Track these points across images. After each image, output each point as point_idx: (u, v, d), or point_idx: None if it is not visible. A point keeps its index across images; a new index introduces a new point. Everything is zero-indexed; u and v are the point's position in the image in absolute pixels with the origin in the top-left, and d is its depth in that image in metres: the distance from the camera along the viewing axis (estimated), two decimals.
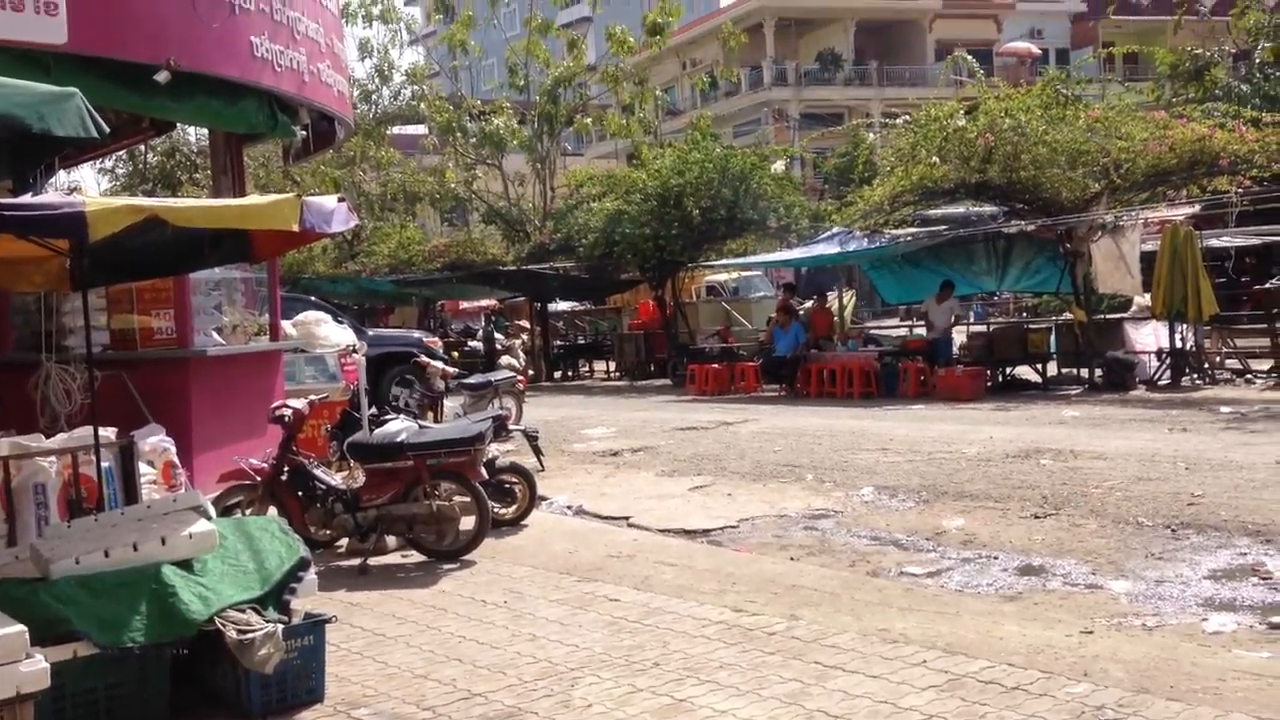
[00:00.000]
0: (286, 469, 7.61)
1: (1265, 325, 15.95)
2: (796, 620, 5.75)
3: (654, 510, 9.14)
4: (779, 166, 22.95)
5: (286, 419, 7.62)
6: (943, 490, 9.16)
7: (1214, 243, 20.79)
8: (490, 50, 31.87)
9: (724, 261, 23.57)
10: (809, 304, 21.01)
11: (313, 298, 17.61)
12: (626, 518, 8.94)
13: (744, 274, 28.03)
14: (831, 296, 22.16)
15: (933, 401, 15.77)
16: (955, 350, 17.90)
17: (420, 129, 31.84)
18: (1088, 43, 46.73)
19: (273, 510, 7.42)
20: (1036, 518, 8.03)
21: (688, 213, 20.68)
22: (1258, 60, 18.51)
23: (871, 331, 21.09)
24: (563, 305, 29.66)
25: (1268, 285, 18.44)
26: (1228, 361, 16.45)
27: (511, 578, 7.00)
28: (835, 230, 19.63)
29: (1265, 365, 15.66)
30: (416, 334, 17.11)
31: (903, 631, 5.46)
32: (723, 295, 28.61)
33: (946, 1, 51.33)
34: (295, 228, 5.30)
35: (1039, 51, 43.48)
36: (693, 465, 11.30)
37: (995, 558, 7.07)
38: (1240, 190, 16.27)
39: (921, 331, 18.37)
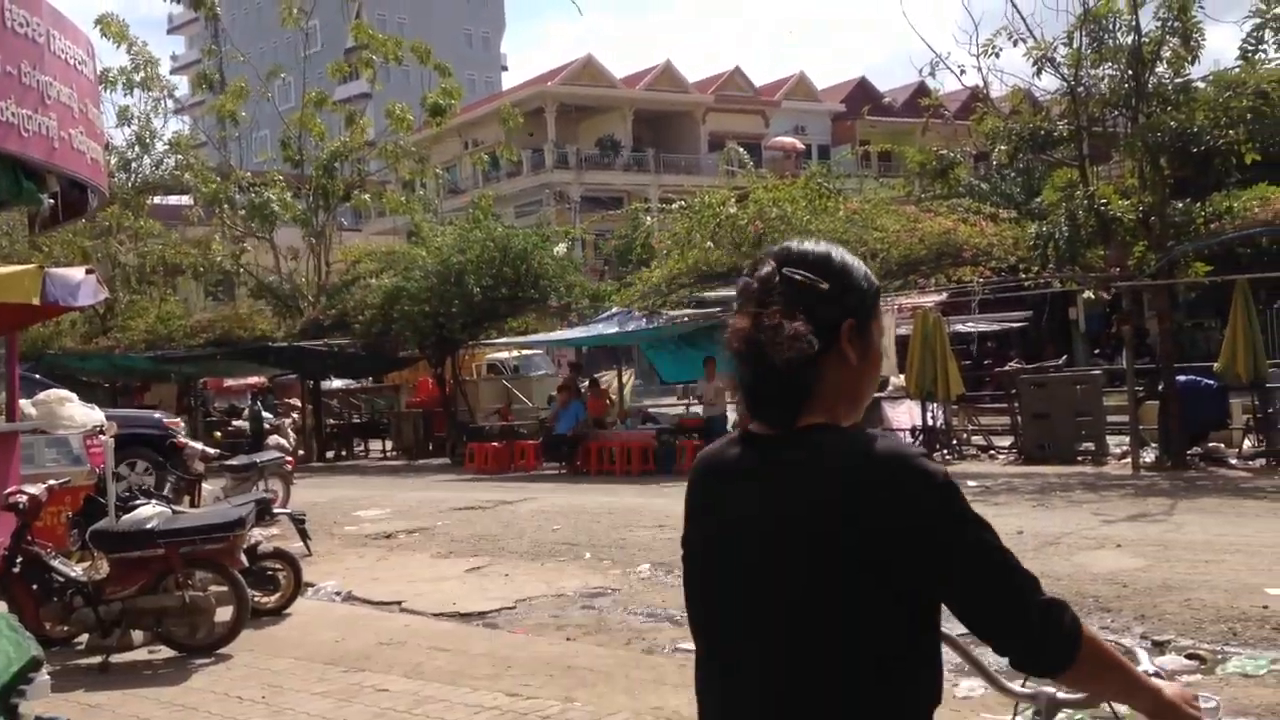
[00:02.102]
0: (20, 560, 6.97)
1: (1005, 404, 17.22)
2: (571, 703, 5.67)
3: (428, 594, 8.88)
4: (561, 249, 23.25)
5: (21, 506, 7.00)
6: None
7: (959, 327, 22.49)
8: (263, 122, 31.03)
9: (505, 340, 23.55)
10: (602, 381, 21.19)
11: (37, 375, 16.00)
12: (399, 602, 8.65)
13: (525, 352, 28.09)
14: (610, 376, 22.48)
15: None
16: (730, 427, 18.40)
17: (185, 199, 30.52)
18: (846, 140, 50.07)
19: (3, 605, 6.75)
20: None
21: (469, 290, 20.60)
22: (995, 162, 20.24)
23: (649, 410, 21.47)
24: (337, 383, 28.78)
25: (1006, 367, 19.98)
26: (973, 438, 17.64)
27: (271, 670, 6.61)
28: (615, 310, 20.00)
29: (1006, 441, 16.88)
30: (156, 414, 15.89)
31: (676, 709, 5.48)
32: (504, 373, 28.54)
33: (718, 97, 53.97)
34: (36, 300, 4.94)
35: (803, 146, 46.19)
36: (470, 546, 11.09)
37: None
38: (981, 280, 17.64)
39: (698, 410, 18.85)
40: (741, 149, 35.28)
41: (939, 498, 1.69)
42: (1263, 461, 13.54)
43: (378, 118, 31.88)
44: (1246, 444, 14.27)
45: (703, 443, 17.24)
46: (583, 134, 53.25)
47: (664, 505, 13.20)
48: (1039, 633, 1.72)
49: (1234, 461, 13.86)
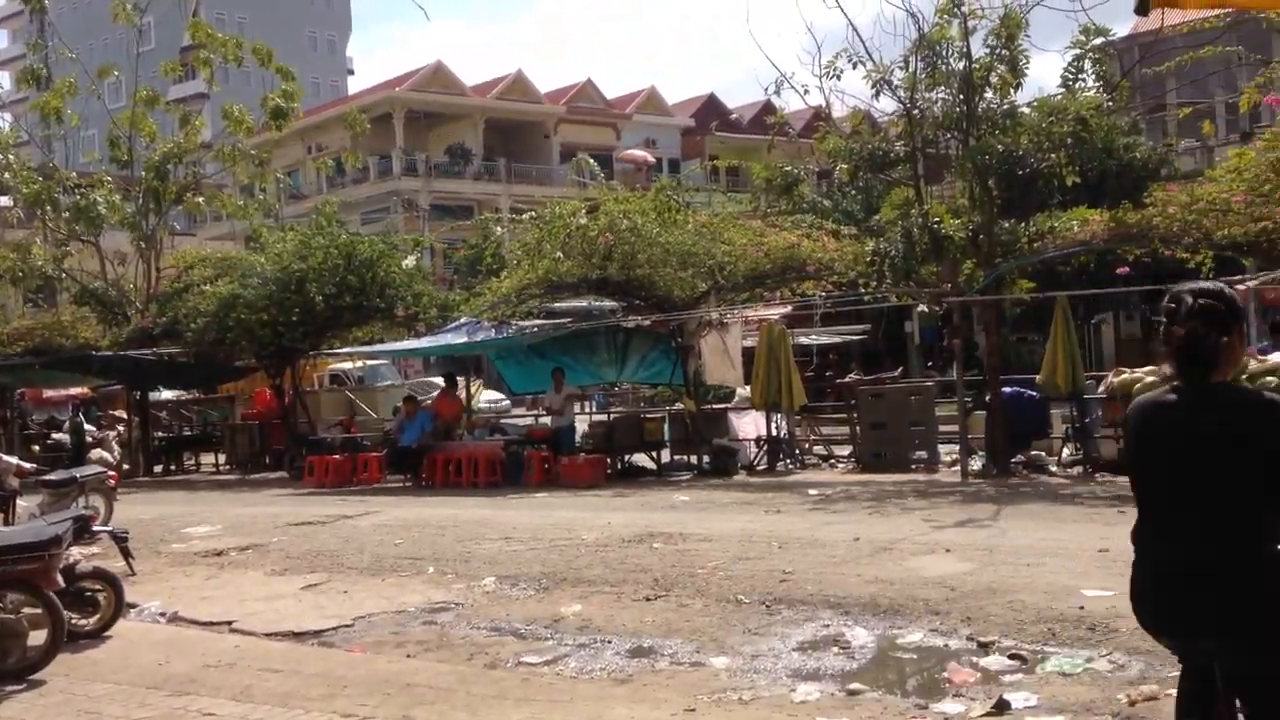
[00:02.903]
0: None
1: (845, 414, 17.74)
2: None
3: (261, 613, 8.55)
4: (411, 262, 22.81)
5: None
6: (562, 577, 9.28)
7: (803, 340, 23.06)
8: (92, 121, 29.56)
9: (349, 350, 22.97)
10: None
11: None
12: (229, 622, 8.29)
13: (371, 362, 27.46)
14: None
15: (556, 489, 16.08)
16: (578, 438, 18.42)
17: (4, 200, 28.76)
18: (696, 155, 50.89)
19: None
20: (649, 600, 8.31)
21: (310, 299, 20.00)
22: (837, 179, 20.90)
23: (497, 420, 21.27)
24: (167, 394, 27.53)
25: (847, 379, 20.61)
26: (815, 447, 18.10)
27: (89, 697, 6.24)
28: (464, 320, 19.75)
29: (846, 450, 17.38)
30: None
31: None
32: (348, 384, 27.84)
33: (570, 108, 54.07)
34: None
35: (654, 159, 46.69)
36: (307, 562, 10.74)
37: (609, 641, 7.21)
38: (823, 294, 18.16)
39: (547, 420, 18.78)
40: (593, 160, 35.44)
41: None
42: (1079, 469, 14.30)
43: (215, 119, 30.73)
44: (1065, 452, 15.06)
45: (550, 454, 17.25)
46: (432, 141, 52.54)
47: (510, 517, 13.09)
48: None
49: (1054, 469, 14.60)
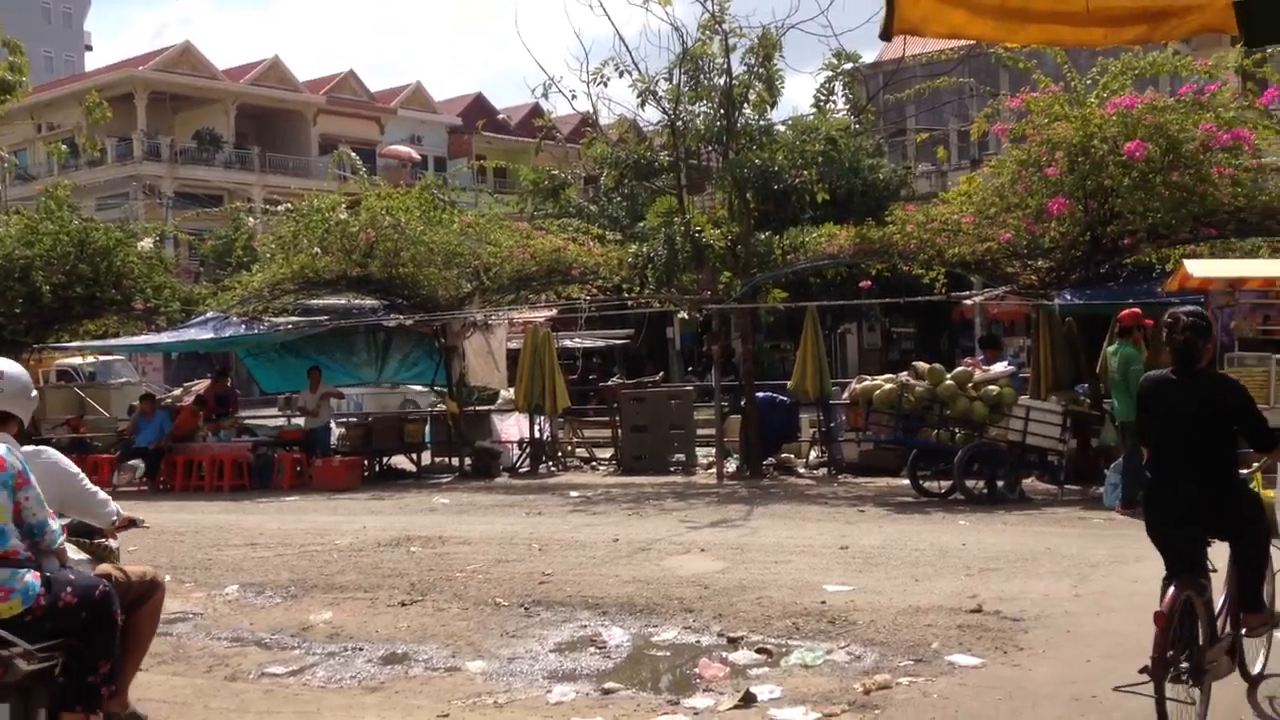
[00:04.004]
0: None
1: (607, 418, 17.98)
2: None
3: None
4: (147, 244, 21.32)
5: None
6: (313, 584, 8.92)
7: (567, 343, 23.20)
8: None
9: (80, 344, 21.28)
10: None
11: None
12: None
13: (104, 358, 25.56)
14: (203, 385, 20.95)
15: (309, 492, 15.48)
16: (334, 440, 17.81)
17: None
18: (463, 154, 50.35)
19: None
20: (404, 605, 8.11)
21: (36, 289, 18.42)
22: (603, 185, 21.13)
23: (246, 421, 20.26)
24: None
25: (609, 382, 20.90)
26: (578, 450, 18.25)
27: None
28: (210, 315, 18.70)
29: (607, 453, 17.60)
30: None
31: None
32: (77, 380, 25.80)
33: (331, 99, 52.29)
34: None
35: (419, 157, 45.78)
36: None
37: (361, 649, 6.98)
38: (588, 298, 18.32)
39: (300, 421, 18.04)
40: (354, 154, 34.28)
41: (1244, 393, 5.12)
42: (825, 470, 15.07)
43: None
44: (812, 455, 15.82)
45: (304, 456, 16.57)
46: (179, 125, 49.51)
47: (257, 522, 12.50)
48: (1268, 437, 5.10)
49: (802, 471, 15.32)
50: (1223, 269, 11.60)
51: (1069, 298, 13.18)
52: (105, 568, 4.96)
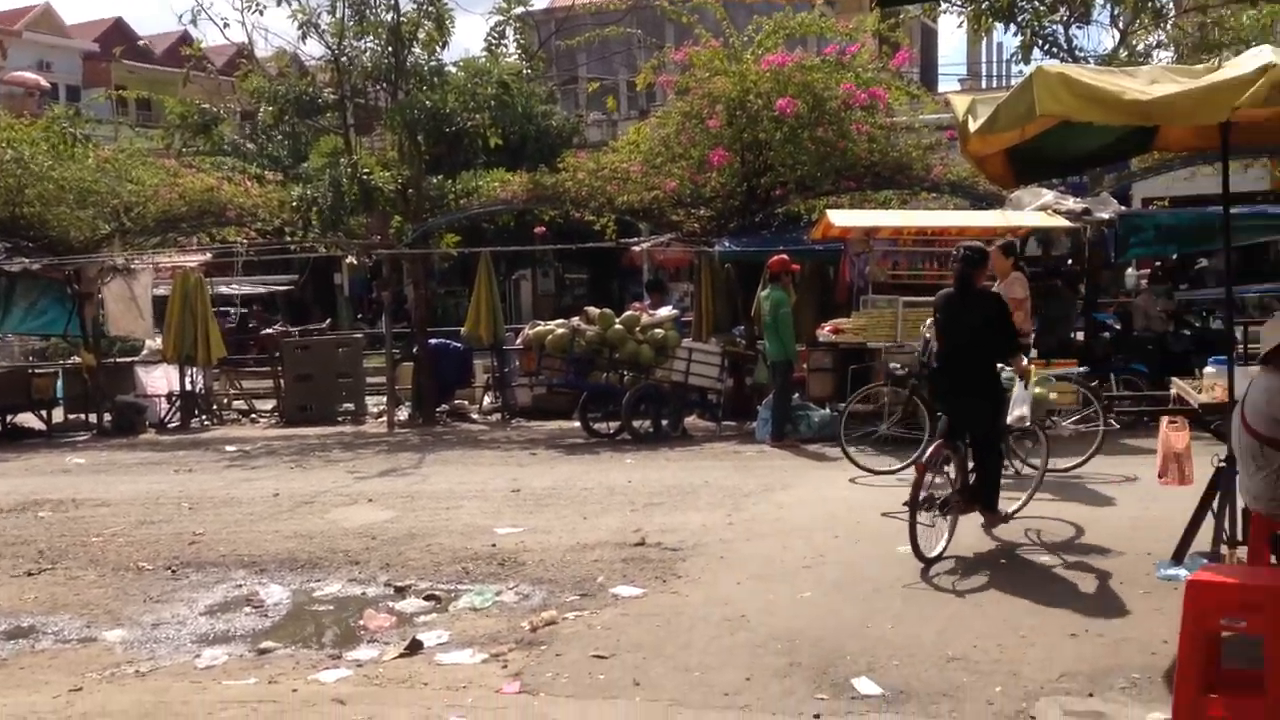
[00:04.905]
0: None
1: (269, 367, 17.04)
2: None
3: None
4: None
5: None
6: None
7: (224, 289, 21.76)
8: None
9: None
10: None
11: None
12: None
13: None
14: None
15: None
16: None
17: None
18: (100, 83, 45.62)
19: None
20: (30, 574, 7.33)
21: None
22: (261, 122, 19.84)
23: None
24: None
25: (271, 330, 19.81)
26: (235, 402, 17.19)
27: None
28: None
29: (269, 405, 16.72)
30: None
31: None
32: None
33: None
34: None
35: (48, 85, 41.21)
36: None
37: None
38: (246, 241, 17.21)
39: None
40: None
41: (1004, 310, 7.23)
42: (498, 416, 15.07)
43: None
44: (486, 400, 15.77)
45: None
46: None
47: None
48: (1016, 345, 7.35)
49: (475, 416, 15.24)
50: (859, 219, 12.55)
51: (728, 245, 13.84)
52: None
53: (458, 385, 15.79)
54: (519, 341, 14.00)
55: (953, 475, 6.91)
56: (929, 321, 9.45)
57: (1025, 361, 7.61)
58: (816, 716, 4.46)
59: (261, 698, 4.95)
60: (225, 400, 17.09)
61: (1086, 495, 8.44)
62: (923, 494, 6.59)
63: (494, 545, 7.60)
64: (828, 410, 11.88)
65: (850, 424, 10.34)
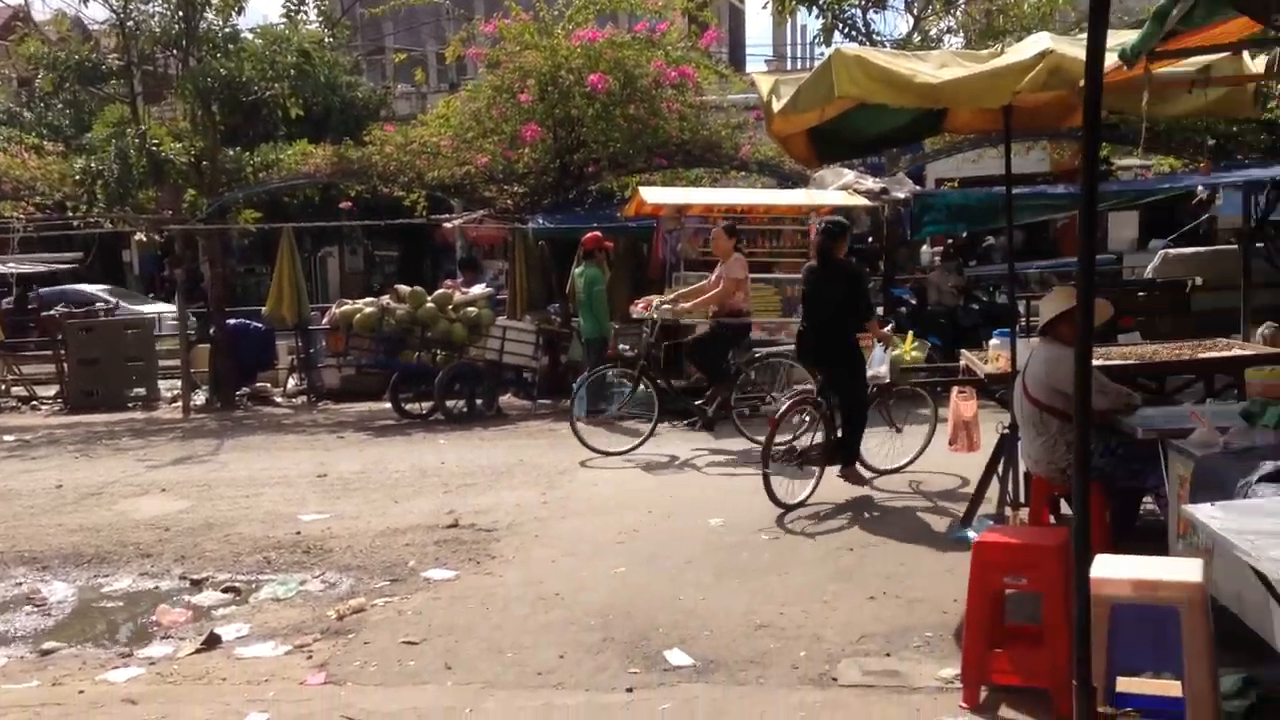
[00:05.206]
0: None
1: (51, 351, 15.93)
2: None
3: None
4: None
5: None
6: None
7: None
8: None
9: None
10: None
11: None
12: None
13: None
14: None
15: None
16: None
17: None
18: None
19: None
20: None
21: None
22: (39, 90, 18.49)
23: None
24: None
25: (53, 312, 18.53)
26: (14, 389, 16.01)
27: None
28: None
29: (51, 391, 15.64)
30: None
31: None
32: None
33: None
34: None
35: None
36: None
37: None
38: (23, 217, 16.02)
39: None
40: None
41: (860, 279, 7.65)
42: (304, 399, 14.55)
43: None
44: (291, 383, 15.21)
45: None
46: None
47: None
48: (870, 313, 7.74)
49: (280, 400, 14.67)
50: (671, 196, 12.68)
51: (541, 221, 13.75)
52: None
53: (259, 368, 15.15)
54: (325, 321, 13.54)
55: (815, 431, 7.49)
56: (656, 301, 9.78)
57: (884, 328, 7.95)
58: (629, 690, 4.49)
59: (45, 700, 4.63)
60: (3, 387, 15.90)
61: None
62: (783, 447, 7.37)
63: (298, 533, 7.33)
64: (644, 387, 11.99)
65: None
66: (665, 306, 9.88)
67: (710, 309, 9.97)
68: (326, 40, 15.65)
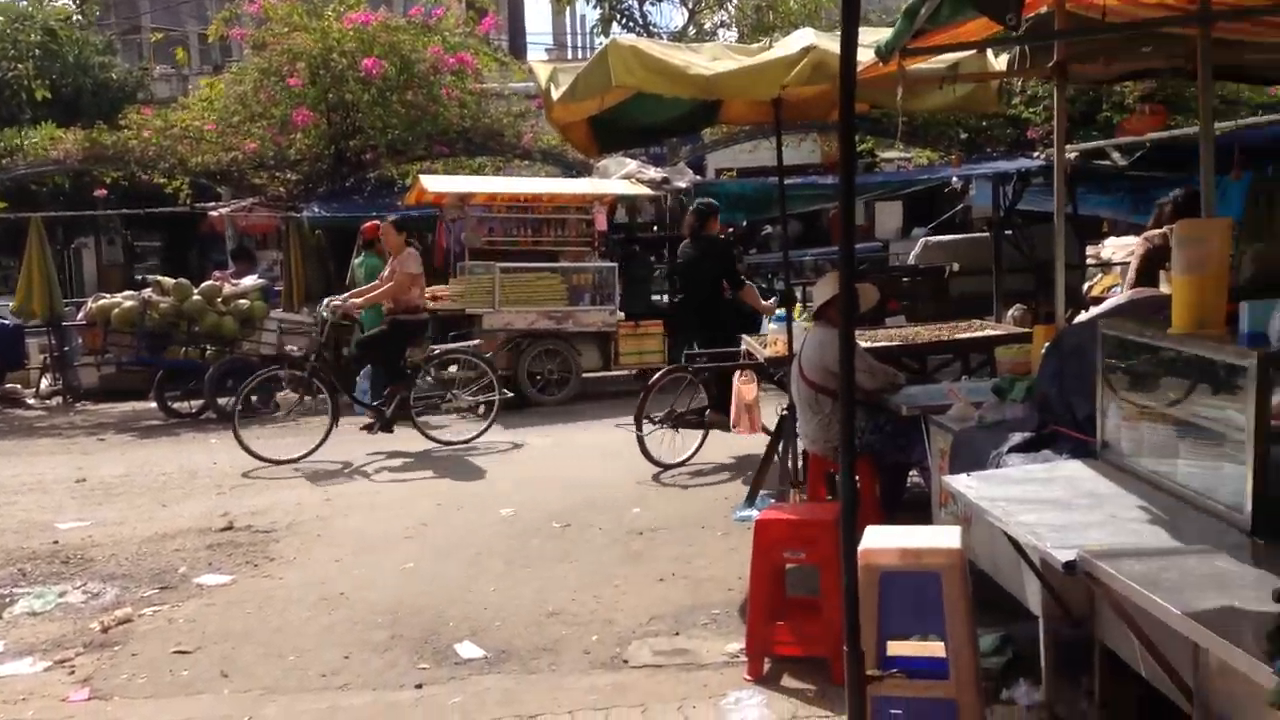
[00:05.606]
0: None
1: None
2: None
3: None
4: None
5: None
6: None
7: None
8: None
9: None
10: None
11: None
12: None
13: None
14: None
15: None
16: None
17: None
18: None
19: None
20: None
21: None
22: None
23: None
24: None
25: None
26: None
27: None
28: None
29: None
30: None
31: None
32: None
33: None
34: None
35: None
36: None
37: None
38: None
39: None
40: None
41: (729, 252, 8.86)
42: (59, 399, 13.55)
43: None
44: (44, 383, 14.12)
45: None
46: None
47: None
48: (743, 281, 8.84)
49: (32, 401, 13.60)
50: (453, 184, 12.51)
51: (317, 210, 13.29)
52: None
53: (7, 367, 13.98)
54: (81, 316, 12.64)
55: (692, 395, 8.13)
56: (329, 302, 9.37)
57: (766, 301, 8.80)
58: (419, 686, 4.41)
59: None
60: None
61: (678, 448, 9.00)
62: (660, 411, 7.97)
63: (56, 542, 6.83)
64: (430, 378, 11.78)
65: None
66: (335, 303, 9.53)
67: (386, 305, 9.60)
68: (75, 18, 14.61)
